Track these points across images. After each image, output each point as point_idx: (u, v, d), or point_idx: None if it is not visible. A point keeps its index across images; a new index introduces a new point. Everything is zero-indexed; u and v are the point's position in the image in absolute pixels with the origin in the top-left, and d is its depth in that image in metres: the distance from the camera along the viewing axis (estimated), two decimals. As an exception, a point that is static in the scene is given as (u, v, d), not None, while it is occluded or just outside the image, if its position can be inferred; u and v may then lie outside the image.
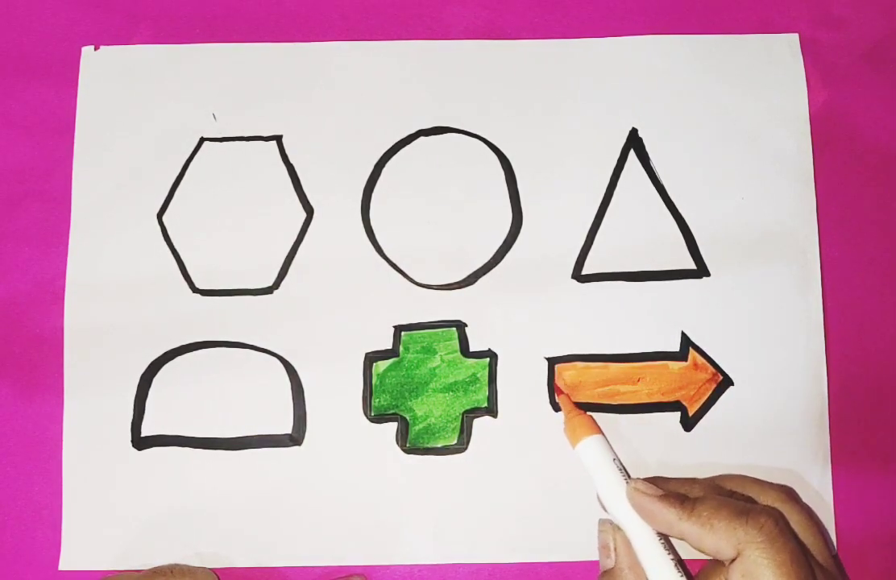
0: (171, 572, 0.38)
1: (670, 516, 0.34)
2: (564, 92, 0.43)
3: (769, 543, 0.32)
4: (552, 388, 0.41)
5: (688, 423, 0.41)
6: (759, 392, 0.41)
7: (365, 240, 0.42)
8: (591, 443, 0.38)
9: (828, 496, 0.40)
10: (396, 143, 0.43)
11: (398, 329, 0.42)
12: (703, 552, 0.34)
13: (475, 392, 0.41)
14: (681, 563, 0.35)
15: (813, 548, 0.34)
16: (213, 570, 0.40)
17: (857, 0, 0.45)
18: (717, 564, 0.34)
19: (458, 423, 0.41)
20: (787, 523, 0.33)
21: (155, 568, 0.38)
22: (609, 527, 0.37)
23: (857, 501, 0.40)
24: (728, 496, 0.35)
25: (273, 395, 0.41)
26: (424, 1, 0.45)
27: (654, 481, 0.37)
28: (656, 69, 0.44)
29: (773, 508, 0.33)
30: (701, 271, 0.42)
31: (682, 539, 0.34)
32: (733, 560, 0.33)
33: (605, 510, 0.37)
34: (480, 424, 0.41)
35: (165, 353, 0.42)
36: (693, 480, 0.37)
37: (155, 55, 0.44)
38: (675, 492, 0.35)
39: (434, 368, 0.41)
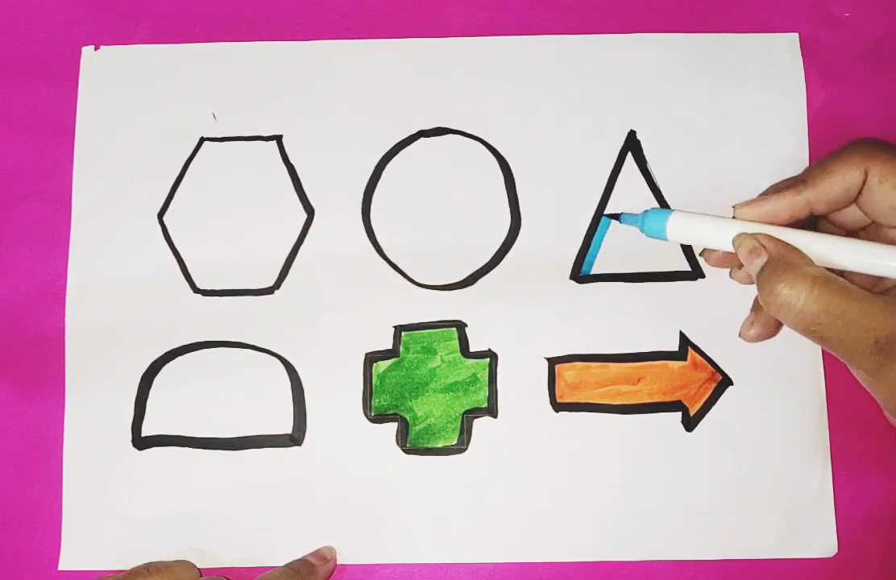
0: (147, 571, 0.37)
1: (790, 197, 0.35)
2: (563, 91, 0.43)
3: (885, 144, 0.35)
4: (552, 388, 0.41)
5: (689, 423, 0.41)
6: (758, 392, 0.41)
7: (365, 240, 0.42)
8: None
9: (828, 495, 0.40)
10: (397, 144, 0.43)
11: (398, 329, 0.42)
12: (832, 205, 0.35)
13: (475, 392, 0.41)
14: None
15: None
16: (214, 570, 0.40)
17: (857, 0, 0.45)
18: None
19: (458, 424, 0.41)
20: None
21: (131, 569, 0.38)
22: (746, 234, 0.35)
23: (857, 500, 0.40)
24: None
25: (273, 395, 0.41)
26: (425, 1, 0.45)
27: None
28: (655, 68, 0.44)
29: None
30: (696, 273, 0.42)
31: (808, 210, 0.36)
32: (862, 185, 0.35)
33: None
34: (480, 424, 0.41)
35: (166, 353, 0.42)
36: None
37: (155, 55, 0.44)
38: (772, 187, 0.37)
39: (434, 368, 0.41)
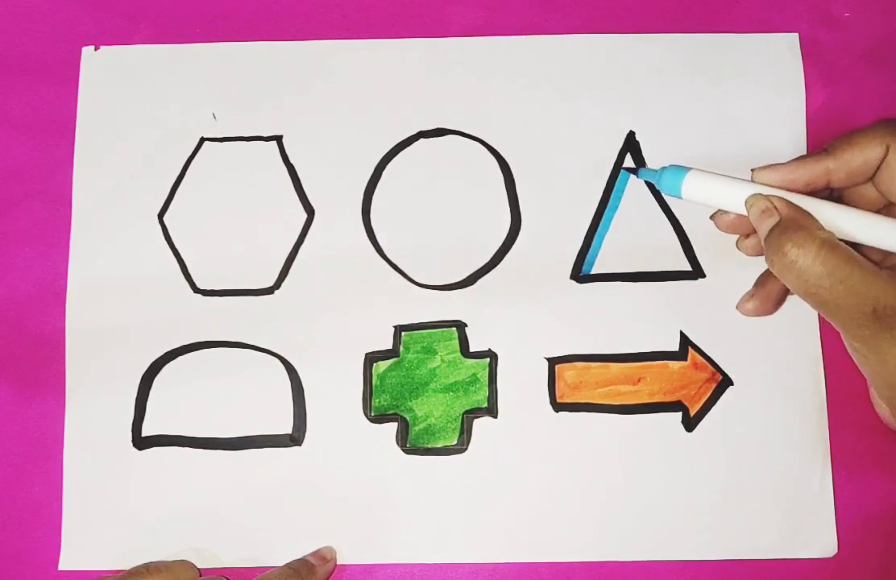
0: (147, 571, 0.38)
1: (810, 164, 0.36)
2: (563, 91, 0.43)
3: None
4: (552, 388, 0.41)
5: (689, 424, 0.41)
6: (758, 392, 0.41)
7: (365, 240, 0.42)
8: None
9: (828, 495, 0.40)
10: (397, 144, 0.43)
11: (398, 329, 0.42)
12: (851, 176, 0.36)
13: (475, 392, 0.41)
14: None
15: None
16: (214, 570, 0.40)
17: (857, 0, 0.45)
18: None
19: (458, 424, 0.41)
20: None
21: (131, 569, 0.38)
22: (759, 195, 0.36)
23: (857, 500, 0.40)
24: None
25: (273, 395, 0.41)
26: (425, 1, 0.45)
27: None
28: (655, 68, 0.44)
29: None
30: (696, 273, 0.42)
31: (827, 180, 0.36)
32: (882, 159, 0.35)
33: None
34: (480, 424, 0.41)
35: (166, 353, 0.42)
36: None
37: (155, 55, 0.44)
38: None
39: (434, 368, 0.41)
